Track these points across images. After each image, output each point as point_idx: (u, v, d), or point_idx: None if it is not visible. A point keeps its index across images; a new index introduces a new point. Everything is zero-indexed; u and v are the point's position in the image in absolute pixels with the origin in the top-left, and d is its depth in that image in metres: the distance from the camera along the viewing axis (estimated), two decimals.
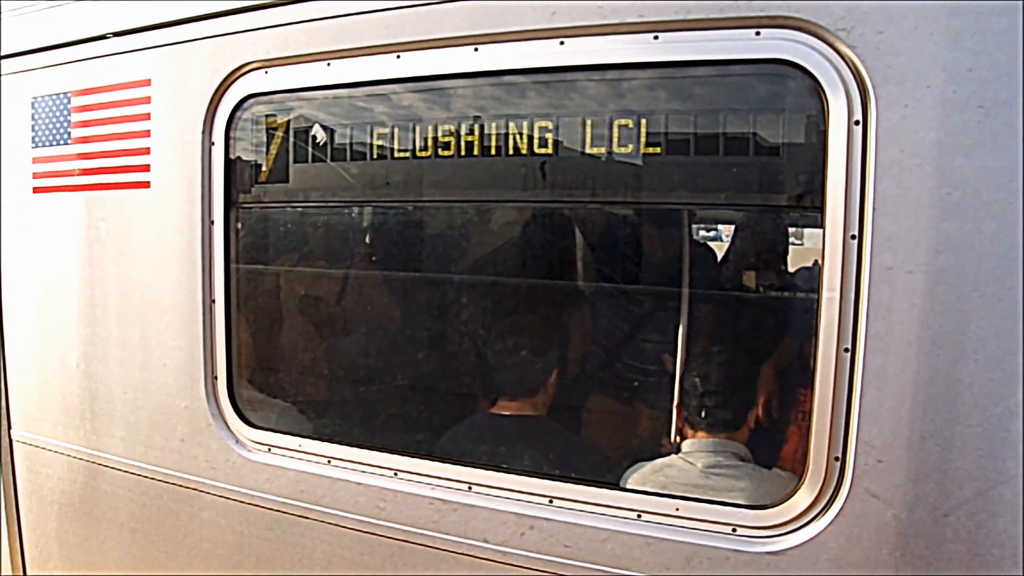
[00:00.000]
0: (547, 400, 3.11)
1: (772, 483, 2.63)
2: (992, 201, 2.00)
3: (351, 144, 2.99)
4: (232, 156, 3.11)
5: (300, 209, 3.38)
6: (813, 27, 2.17)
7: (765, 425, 2.89)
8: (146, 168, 3.25)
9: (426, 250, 3.31)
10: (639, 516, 2.52)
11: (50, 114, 3.53)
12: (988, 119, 2.00)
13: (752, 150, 2.42)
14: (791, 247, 3.29)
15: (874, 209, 2.11)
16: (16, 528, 3.97)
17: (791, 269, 3.33)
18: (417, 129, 2.82)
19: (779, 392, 3.00)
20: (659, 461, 2.83)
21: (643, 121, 2.49)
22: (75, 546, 3.76)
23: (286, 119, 3.08)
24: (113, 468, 3.52)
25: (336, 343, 3.58)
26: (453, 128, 2.75)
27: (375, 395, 3.37)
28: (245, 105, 3.07)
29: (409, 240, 3.30)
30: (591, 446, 3.20)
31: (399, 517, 2.85)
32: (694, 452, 2.79)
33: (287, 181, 3.12)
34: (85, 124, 3.44)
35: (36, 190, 3.64)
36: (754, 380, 2.94)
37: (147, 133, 3.24)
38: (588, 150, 2.58)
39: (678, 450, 2.85)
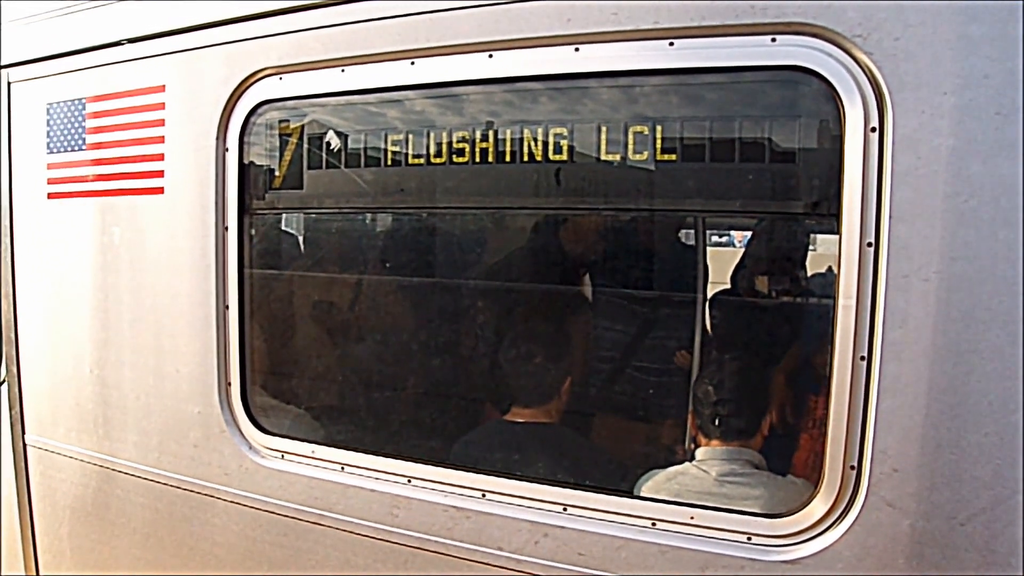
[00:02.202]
0: (561, 407, 3.10)
1: (787, 491, 2.62)
2: (1009, 208, 1.99)
3: (365, 150, 2.99)
4: (246, 162, 3.12)
5: (314, 215, 3.39)
6: (829, 33, 2.16)
7: (780, 433, 2.88)
8: (160, 174, 3.26)
9: (439, 257, 3.31)
10: (653, 524, 2.50)
11: (65, 120, 3.55)
12: (1005, 126, 1.98)
13: (768, 157, 2.41)
14: (806, 254, 3.28)
15: (890, 216, 2.10)
16: (30, 532, 3.98)
17: (806, 276, 3.32)
18: (431, 135, 2.82)
19: (794, 400, 3.00)
20: (673, 469, 2.82)
21: (658, 127, 2.48)
22: (87, 551, 3.76)
23: (300, 125, 3.09)
24: (126, 473, 3.52)
25: (350, 350, 3.58)
26: (467, 134, 2.75)
27: (389, 402, 3.36)
28: (259, 111, 3.07)
29: (422, 247, 3.30)
30: (605, 453, 3.19)
31: (413, 524, 2.84)
32: (708, 460, 2.78)
33: (301, 187, 3.12)
34: (100, 130, 3.46)
35: (51, 195, 3.65)
36: (769, 388, 2.94)
37: (161, 139, 3.25)
38: (603, 157, 2.57)
39: (692, 458, 2.83)
